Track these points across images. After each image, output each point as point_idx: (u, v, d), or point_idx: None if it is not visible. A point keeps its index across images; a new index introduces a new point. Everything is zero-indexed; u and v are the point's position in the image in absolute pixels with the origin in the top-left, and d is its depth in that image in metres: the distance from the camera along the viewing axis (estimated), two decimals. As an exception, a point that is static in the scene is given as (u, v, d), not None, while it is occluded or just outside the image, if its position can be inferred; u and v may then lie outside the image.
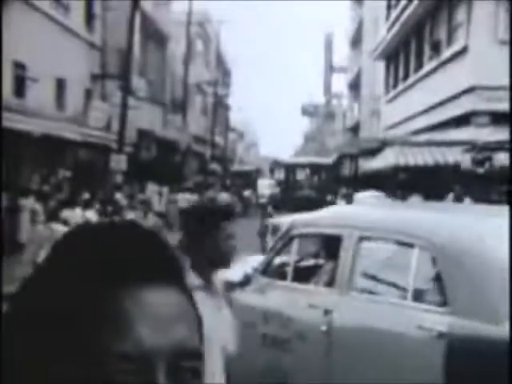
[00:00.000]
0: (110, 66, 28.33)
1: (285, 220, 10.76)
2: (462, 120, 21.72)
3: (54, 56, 22.42)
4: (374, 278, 5.39)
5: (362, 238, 5.33)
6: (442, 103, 24.06)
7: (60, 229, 10.35)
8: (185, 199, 23.35)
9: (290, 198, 22.59)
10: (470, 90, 21.30)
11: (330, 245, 5.85)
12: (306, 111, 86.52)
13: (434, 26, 26.83)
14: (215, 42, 62.72)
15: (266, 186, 33.30)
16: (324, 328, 5.24)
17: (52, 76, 22.91)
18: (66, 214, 12.82)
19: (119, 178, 23.73)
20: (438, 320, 4.57)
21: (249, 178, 39.19)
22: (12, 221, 15.94)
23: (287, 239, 6.22)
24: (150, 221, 13.84)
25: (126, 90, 24.84)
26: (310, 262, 6.94)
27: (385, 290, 5.21)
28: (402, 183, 21.19)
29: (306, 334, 5.39)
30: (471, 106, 21.27)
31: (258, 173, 40.73)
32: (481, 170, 18.20)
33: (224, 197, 25.46)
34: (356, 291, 5.30)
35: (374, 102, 43.02)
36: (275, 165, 27.39)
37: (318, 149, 69.39)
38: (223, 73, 71.38)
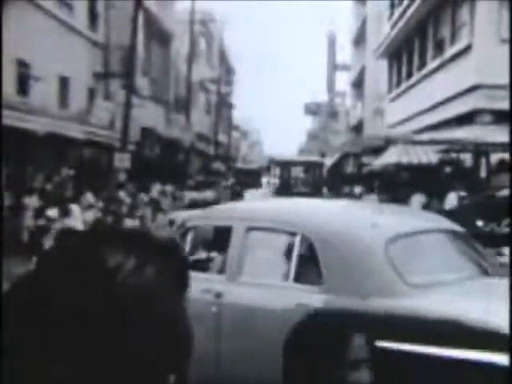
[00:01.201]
0: (113, 64, 28.35)
1: (180, 215, 11.51)
2: (466, 118, 21.71)
3: (57, 54, 22.45)
4: (260, 263, 6.02)
5: (249, 229, 5.93)
6: (445, 102, 24.05)
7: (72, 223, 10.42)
8: (189, 198, 23.50)
9: (285, 194, 23.06)
10: (473, 89, 21.28)
11: (222, 235, 6.32)
12: (309, 110, 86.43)
13: (437, 25, 26.81)
14: (218, 40, 62.72)
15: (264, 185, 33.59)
16: (215, 309, 5.73)
17: (55, 74, 22.94)
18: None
19: (123, 177, 23.76)
20: (314, 298, 5.20)
21: (253, 177, 39.29)
22: (16, 220, 15.97)
23: (183, 231, 6.65)
24: (160, 220, 13.96)
25: (130, 89, 24.86)
26: (204, 251, 7.43)
27: (269, 274, 5.81)
28: (405, 181, 21.21)
29: (199, 316, 5.68)
30: (474, 104, 21.26)
31: (262, 171, 40.83)
32: (448, 170, 18.67)
33: (208, 195, 25.54)
34: (244, 276, 5.87)
35: (377, 101, 42.99)
36: (271, 162, 27.62)
37: (322, 147, 69.38)
38: (226, 71, 71.37)
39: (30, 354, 0.75)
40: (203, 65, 53.64)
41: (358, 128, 51.20)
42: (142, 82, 31.25)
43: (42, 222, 13.19)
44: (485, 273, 5.69)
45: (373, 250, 5.22)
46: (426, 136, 22.65)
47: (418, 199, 16.44)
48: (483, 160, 19.95)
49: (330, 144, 62.07)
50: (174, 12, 42.43)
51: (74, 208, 13.04)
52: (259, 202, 8.89)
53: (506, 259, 12.32)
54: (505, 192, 14.93)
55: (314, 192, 23.85)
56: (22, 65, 20.33)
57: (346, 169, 38.91)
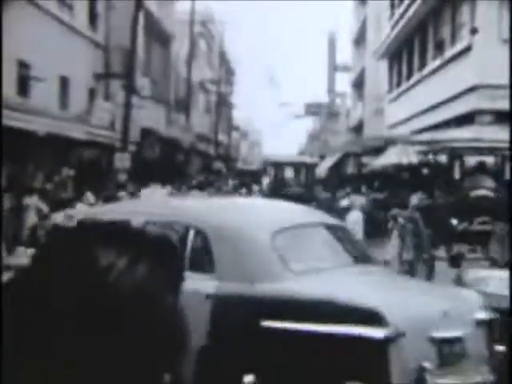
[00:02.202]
0: (113, 65, 28.34)
1: (79, 210, 11.89)
2: (466, 119, 21.71)
3: (58, 55, 22.45)
4: None
5: (147, 223, 6.33)
6: (445, 102, 24.05)
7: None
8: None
9: (278, 194, 23.54)
10: (473, 89, 21.29)
11: None
12: (309, 110, 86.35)
13: (437, 25, 26.81)
14: (219, 40, 62.69)
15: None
16: None
17: (56, 75, 22.94)
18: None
19: (123, 177, 23.75)
20: (207, 284, 5.74)
21: (254, 177, 39.35)
22: (16, 220, 15.96)
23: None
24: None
25: (130, 89, 24.86)
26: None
27: None
28: (405, 181, 21.22)
29: None
30: (475, 104, 21.26)
31: (262, 172, 40.99)
32: (425, 171, 18.93)
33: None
34: None
35: (377, 101, 42.97)
36: (266, 163, 27.96)
37: (322, 148, 69.32)
38: (226, 72, 71.34)
39: (21, 352, 0.74)
40: (203, 65, 53.61)
41: (358, 128, 51.16)
42: (142, 83, 31.23)
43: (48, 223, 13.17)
44: (358, 261, 6.59)
45: (260, 241, 5.89)
46: (425, 136, 22.65)
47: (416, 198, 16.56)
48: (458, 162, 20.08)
49: (331, 144, 62.06)
50: (174, 13, 42.41)
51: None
52: (159, 199, 9.82)
53: (478, 255, 12.70)
54: (478, 192, 15.39)
55: (306, 191, 24.22)
56: (23, 65, 20.33)
57: (346, 169, 38.90)
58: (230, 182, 39.24)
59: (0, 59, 17.08)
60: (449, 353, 5.39)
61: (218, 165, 53.30)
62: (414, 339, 5.10)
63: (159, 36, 37.95)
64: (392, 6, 35.25)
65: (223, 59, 66.44)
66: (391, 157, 22.28)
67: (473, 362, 5.54)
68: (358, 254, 6.76)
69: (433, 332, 5.27)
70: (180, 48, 43.37)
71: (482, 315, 5.77)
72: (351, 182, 31.28)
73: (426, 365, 5.09)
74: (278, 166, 25.88)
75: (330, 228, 6.91)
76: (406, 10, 29.69)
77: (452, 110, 23.19)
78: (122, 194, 21.00)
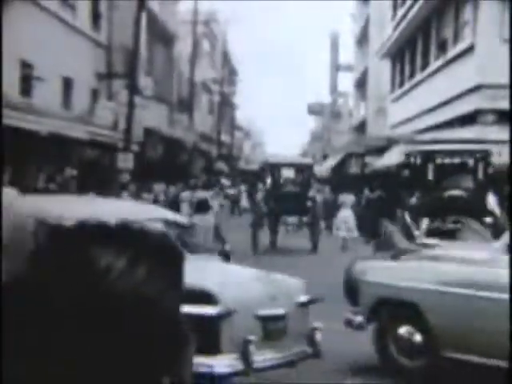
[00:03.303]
0: (116, 65, 28.37)
1: None
2: (468, 118, 21.70)
3: (60, 55, 22.49)
4: None
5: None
6: (448, 102, 24.03)
7: None
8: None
9: (275, 194, 23.91)
10: (475, 89, 21.27)
11: None
12: (312, 110, 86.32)
13: (440, 25, 26.80)
14: (222, 40, 62.72)
15: None
16: None
17: (59, 75, 22.98)
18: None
19: (126, 177, 23.79)
20: None
21: (255, 177, 39.42)
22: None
23: None
24: None
25: (133, 89, 24.90)
26: None
27: None
28: (408, 181, 21.22)
29: None
30: (477, 104, 21.24)
31: (264, 171, 41.14)
32: (406, 173, 19.20)
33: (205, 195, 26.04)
34: None
35: (380, 101, 42.96)
36: (265, 164, 28.22)
37: (325, 147, 69.31)
38: (229, 71, 71.37)
39: (21, 352, 0.74)
40: (206, 65, 53.65)
41: (360, 128, 51.15)
42: (145, 83, 31.27)
43: None
44: (194, 251, 7.32)
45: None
46: (428, 136, 22.65)
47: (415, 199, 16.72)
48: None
49: (333, 144, 62.07)
50: (177, 12, 42.46)
51: None
52: (12, 197, 10.61)
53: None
54: (452, 192, 15.76)
55: (302, 191, 24.59)
56: (26, 66, 20.37)
57: (349, 169, 38.92)
58: (226, 182, 39.48)
59: (0, 59, 17.11)
60: (273, 329, 6.47)
61: (220, 165, 53.35)
62: (242, 316, 6.10)
63: (162, 36, 37.99)
64: (395, 6, 35.25)
65: (226, 59, 66.46)
66: (392, 157, 22.30)
67: (293, 337, 6.65)
68: (195, 245, 7.72)
69: (259, 311, 6.33)
70: (183, 48, 43.41)
71: (303, 298, 6.98)
72: (354, 182, 31.34)
73: (251, 338, 6.03)
74: (276, 166, 26.11)
75: (169, 223, 7.56)
76: (408, 10, 29.68)
77: (454, 110, 23.18)
78: (124, 194, 21.05)
